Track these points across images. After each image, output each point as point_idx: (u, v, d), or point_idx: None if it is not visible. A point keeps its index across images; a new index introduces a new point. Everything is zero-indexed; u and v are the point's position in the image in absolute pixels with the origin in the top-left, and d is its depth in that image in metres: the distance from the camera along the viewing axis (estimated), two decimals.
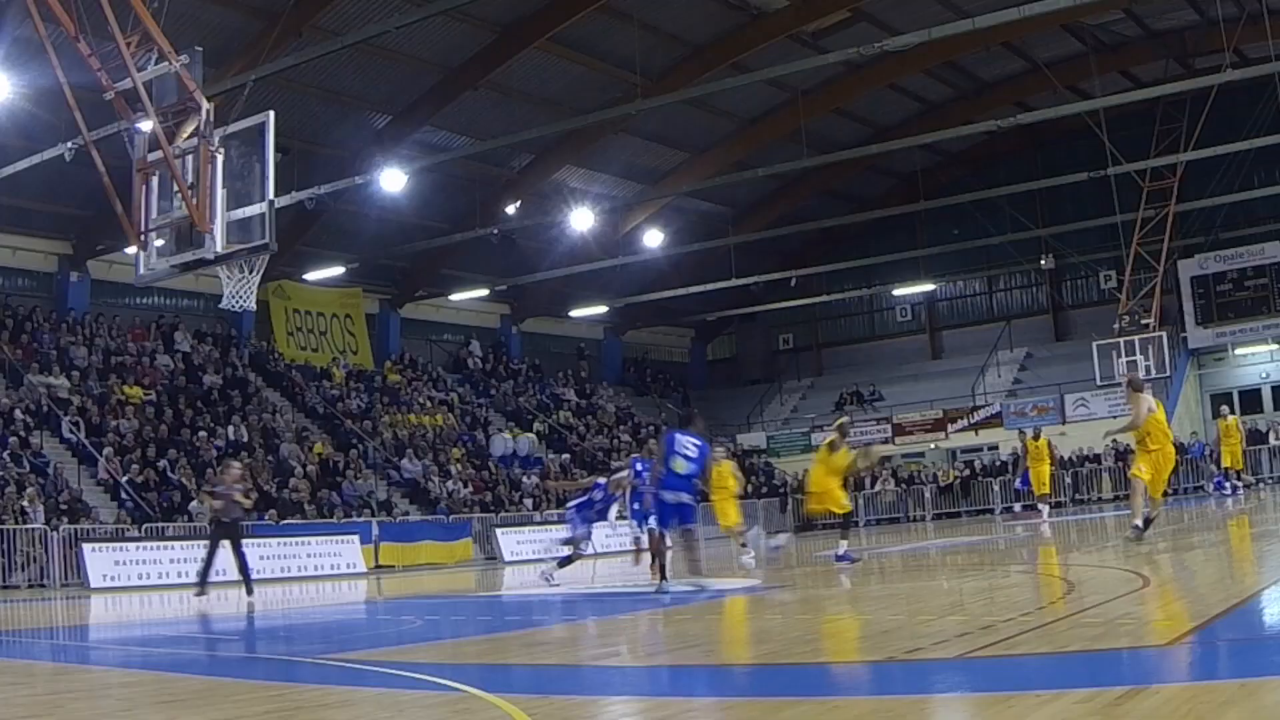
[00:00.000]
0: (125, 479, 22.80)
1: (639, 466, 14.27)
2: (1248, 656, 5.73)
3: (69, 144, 19.03)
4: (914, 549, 19.30)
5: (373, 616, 13.88)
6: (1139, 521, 12.81)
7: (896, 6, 27.53)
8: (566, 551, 15.15)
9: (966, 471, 34.60)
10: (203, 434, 25.52)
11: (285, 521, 23.45)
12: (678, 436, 12.18)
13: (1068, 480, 32.63)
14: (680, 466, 11.92)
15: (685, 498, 12.07)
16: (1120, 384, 31.57)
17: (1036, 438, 24.99)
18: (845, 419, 18.08)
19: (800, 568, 16.12)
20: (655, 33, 27.53)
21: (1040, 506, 24.81)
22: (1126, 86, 32.42)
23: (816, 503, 15.72)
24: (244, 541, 15.20)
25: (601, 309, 38.74)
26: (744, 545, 15.66)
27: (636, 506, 14.05)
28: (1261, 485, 30.35)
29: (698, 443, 12.19)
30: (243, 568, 14.65)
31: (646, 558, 13.59)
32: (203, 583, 14.69)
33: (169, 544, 20.71)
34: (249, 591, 14.57)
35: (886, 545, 20.77)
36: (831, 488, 15.25)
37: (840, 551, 14.80)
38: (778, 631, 8.50)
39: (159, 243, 12.04)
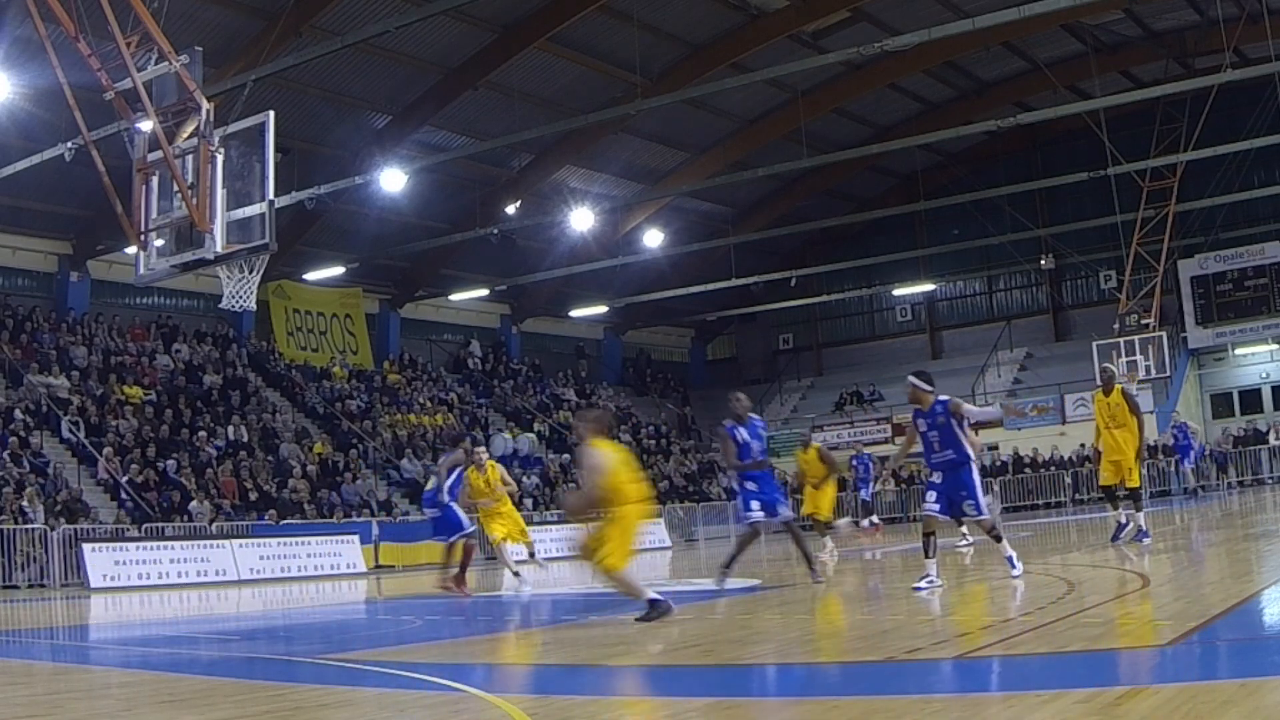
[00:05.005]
0: (125, 479, 22.80)
1: None
2: (1248, 656, 5.73)
3: (69, 144, 19.04)
4: (914, 549, 19.25)
5: (373, 616, 13.87)
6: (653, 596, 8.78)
7: (896, 6, 27.52)
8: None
9: None
10: (202, 434, 25.52)
11: (285, 521, 23.46)
12: None
13: (1068, 480, 32.67)
14: None
15: None
16: (1123, 383, 31.39)
17: (806, 447, 17.87)
18: None
19: (801, 567, 16.07)
20: (655, 33, 27.52)
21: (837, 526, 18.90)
22: (1126, 86, 32.41)
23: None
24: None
25: (601, 309, 38.73)
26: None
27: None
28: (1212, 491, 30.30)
29: None
30: None
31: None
32: None
33: (169, 544, 20.69)
34: None
35: (886, 545, 20.75)
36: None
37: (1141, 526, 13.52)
38: (778, 631, 8.49)
39: (159, 243, 12.04)
